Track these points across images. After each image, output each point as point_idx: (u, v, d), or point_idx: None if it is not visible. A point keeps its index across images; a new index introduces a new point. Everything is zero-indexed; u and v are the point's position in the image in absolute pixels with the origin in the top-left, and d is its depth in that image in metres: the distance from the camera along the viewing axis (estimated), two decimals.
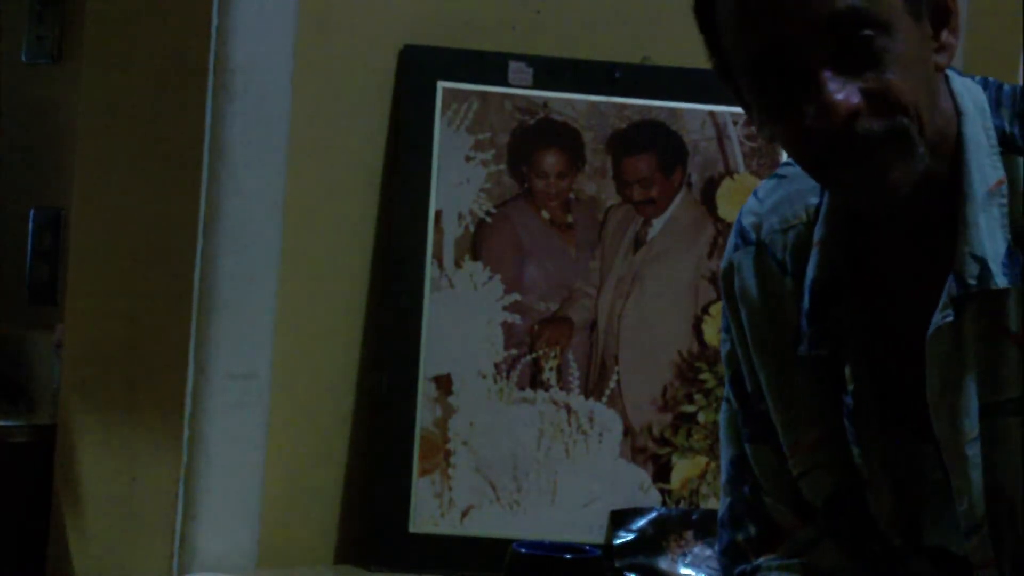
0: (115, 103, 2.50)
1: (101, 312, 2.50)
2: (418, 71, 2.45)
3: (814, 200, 1.50)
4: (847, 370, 1.46)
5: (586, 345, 2.47)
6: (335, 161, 2.43)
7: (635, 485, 2.46)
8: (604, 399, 2.46)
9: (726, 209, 2.48)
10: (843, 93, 1.33)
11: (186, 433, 2.32)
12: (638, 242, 2.48)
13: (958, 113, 1.43)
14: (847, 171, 1.37)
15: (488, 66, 2.47)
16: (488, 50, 2.48)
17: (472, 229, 2.45)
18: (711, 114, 2.49)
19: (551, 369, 2.45)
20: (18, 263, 2.93)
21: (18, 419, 2.74)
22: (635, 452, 2.47)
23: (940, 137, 1.40)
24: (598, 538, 2.43)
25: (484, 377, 2.44)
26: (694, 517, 2.43)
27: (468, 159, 2.45)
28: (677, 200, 2.50)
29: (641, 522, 2.43)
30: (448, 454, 2.42)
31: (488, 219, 2.45)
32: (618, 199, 2.48)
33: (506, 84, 2.47)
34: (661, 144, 2.49)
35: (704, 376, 2.46)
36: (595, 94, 2.49)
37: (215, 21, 2.32)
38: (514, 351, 2.44)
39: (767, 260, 1.53)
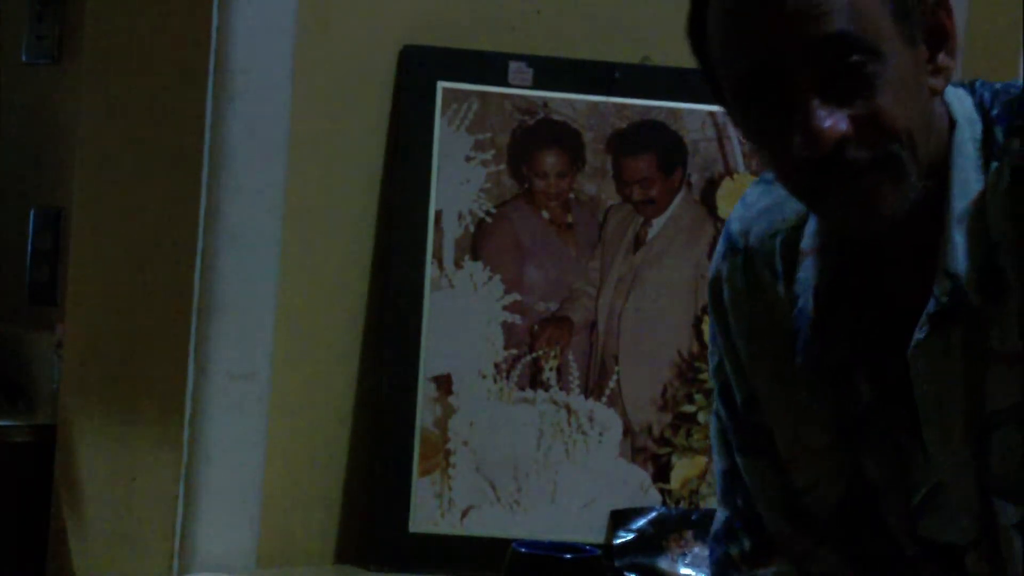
0: (115, 103, 2.50)
1: (101, 312, 2.50)
2: (418, 71, 2.45)
3: (801, 205, 1.49)
4: (861, 383, 1.44)
5: (586, 345, 2.47)
6: (335, 161, 2.43)
7: (635, 485, 2.46)
8: (604, 399, 2.46)
9: (726, 209, 2.48)
10: (831, 120, 1.31)
11: (186, 433, 2.32)
12: (638, 242, 2.49)
13: (951, 124, 1.40)
14: (836, 199, 1.35)
15: (488, 66, 2.47)
16: (488, 50, 2.48)
17: (472, 229, 2.45)
18: (711, 114, 2.49)
19: (551, 369, 2.45)
20: (18, 263, 2.94)
21: (18, 419, 2.74)
22: (635, 452, 2.47)
23: (934, 157, 1.38)
24: (598, 538, 2.43)
25: (484, 377, 2.44)
26: (694, 517, 2.43)
27: (468, 159, 2.45)
28: (677, 200, 2.50)
29: (641, 522, 2.43)
30: (448, 454, 2.42)
31: (488, 219, 2.45)
32: (618, 199, 2.49)
33: (506, 84, 2.47)
34: (661, 144, 2.49)
35: (704, 376, 2.46)
36: (595, 94, 2.49)
37: (215, 21, 2.32)
38: (514, 351, 2.45)
39: (757, 267, 1.51)
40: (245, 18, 2.33)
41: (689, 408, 2.47)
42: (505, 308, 2.45)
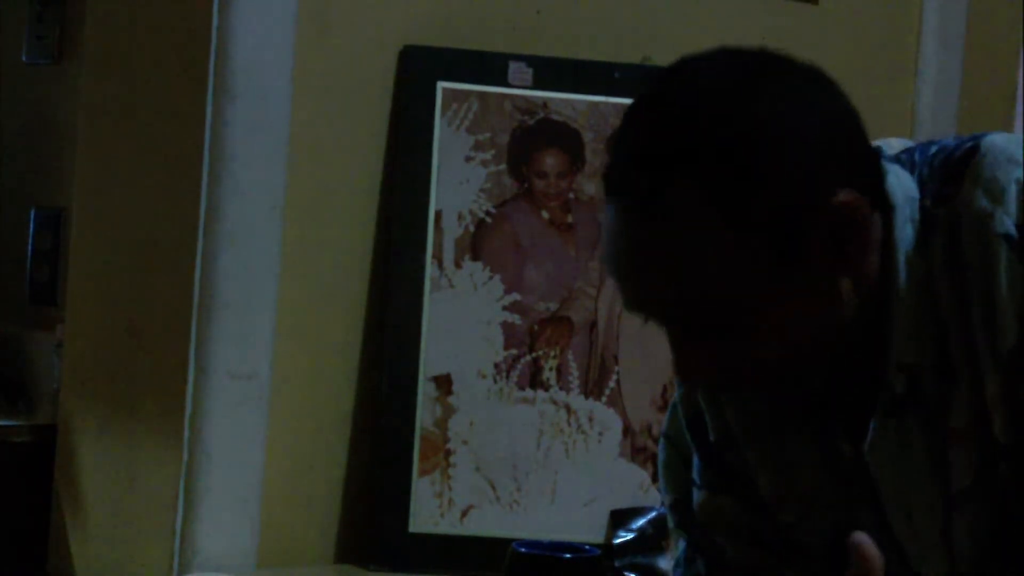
0: (115, 103, 2.50)
1: (101, 312, 2.50)
2: (418, 71, 2.45)
3: None
4: (841, 442, 1.39)
5: (586, 345, 2.47)
6: (335, 161, 2.43)
7: (635, 485, 2.46)
8: (604, 399, 2.47)
9: None
10: (693, 361, 1.30)
11: (186, 433, 2.32)
12: None
13: (890, 207, 1.32)
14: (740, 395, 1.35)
15: (488, 66, 2.47)
16: (488, 50, 2.48)
17: (472, 229, 2.45)
18: None
19: (551, 369, 2.45)
20: (18, 263, 2.93)
21: (18, 419, 2.74)
22: (635, 452, 2.47)
23: (868, 273, 1.31)
24: (598, 538, 2.43)
25: (484, 377, 2.44)
26: None
27: (468, 159, 2.45)
28: None
29: (641, 522, 2.43)
30: (448, 454, 2.42)
31: (488, 219, 2.45)
32: None
33: (506, 84, 2.47)
34: None
35: None
36: (595, 94, 2.49)
37: (215, 21, 2.32)
38: (514, 351, 2.45)
39: None
40: (245, 18, 2.33)
41: None
42: (505, 308, 2.45)
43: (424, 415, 2.41)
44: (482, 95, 2.46)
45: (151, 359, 2.41)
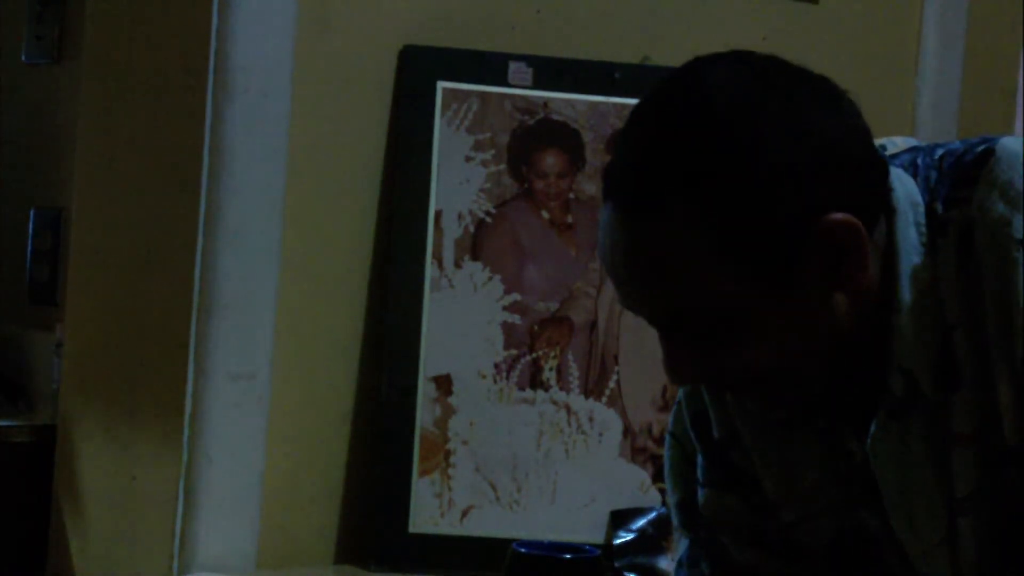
0: (115, 103, 2.50)
1: (101, 312, 2.50)
2: (418, 71, 2.45)
3: None
4: (850, 442, 1.39)
5: (586, 345, 2.47)
6: (335, 161, 2.43)
7: (635, 485, 2.46)
8: (604, 399, 2.46)
9: None
10: (682, 367, 1.31)
11: (186, 433, 2.32)
12: None
13: (892, 211, 1.32)
14: (734, 398, 1.35)
15: (488, 66, 2.47)
16: (488, 50, 2.48)
17: (472, 229, 2.45)
18: None
19: (551, 369, 2.45)
20: (18, 263, 2.94)
21: (18, 419, 2.74)
22: (635, 452, 2.47)
23: (867, 284, 1.31)
24: (598, 538, 2.43)
25: (484, 377, 2.44)
26: None
27: (468, 159, 2.45)
28: None
29: (641, 522, 2.43)
30: (448, 454, 2.42)
31: (488, 219, 2.45)
32: None
33: (506, 84, 2.47)
34: None
35: None
36: (595, 94, 2.49)
37: (215, 21, 2.32)
38: (514, 351, 2.44)
39: None
40: (245, 18, 2.33)
41: None
42: (505, 308, 2.45)
43: (424, 415, 2.41)
44: (482, 95, 2.46)
45: (151, 359, 2.41)
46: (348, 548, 2.44)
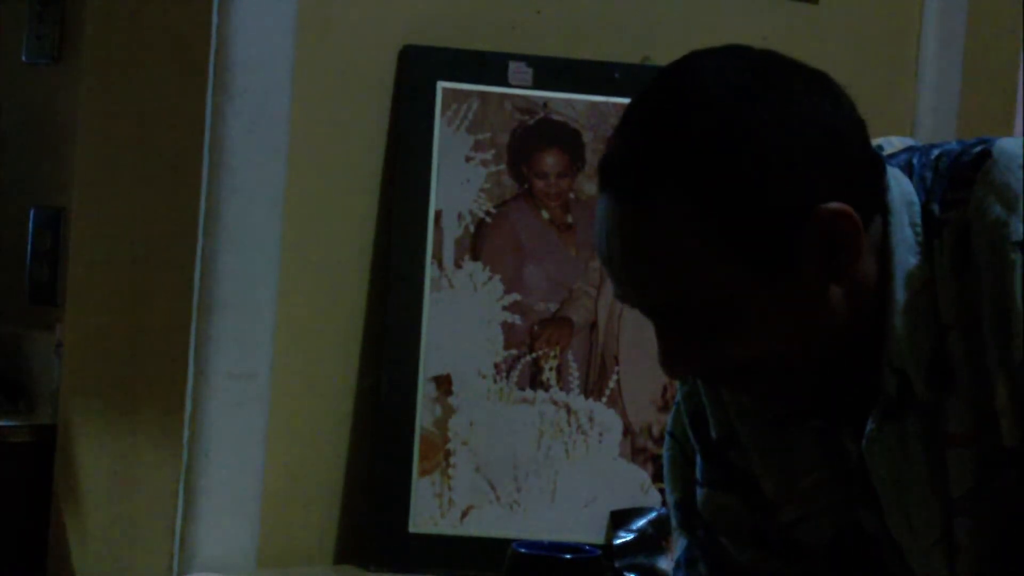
0: (115, 103, 2.50)
1: (101, 312, 2.50)
2: (418, 71, 2.45)
3: None
4: (847, 442, 1.39)
5: (586, 345, 2.47)
6: (335, 161, 2.43)
7: (635, 485, 2.46)
8: (604, 399, 2.46)
9: None
10: (674, 358, 1.31)
11: (186, 433, 2.32)
12: None
13: (888, 210, 1.31)
14: (728, 392, 1.36)
15: (488, 66, 2.47)
16: (488, 50, 2.48)
17: (472, 229, 2.45)
18: None
19: (551, 369, 2.45)
20: (18, 263, 2.94)
21: (18, 419, 2.74)
22: (635, 452, 2.47)
23: (863, 280, 1.30)
24: (598, 538, 2.43)
25: (484, 377, 2.44)
26: None
27: (468, 159, 2.45)
28: None
29: (641, 522, 2.43)
30: (448, 454, 2.42)
31: (488, 219, 2.45)
32: None
33: (506, 84, 2.47)
34: None
35: None
36: (595, 94, 2.49)
37: (215, 21, 2.32)
38: (514, 351, 2.45)
39: None
40: (245, 18, 2.33)
41: None
42: (505, 308, 2.45)
43: (424, 415, 2.41)
44: (482, 95, 2.46)
45: (151, 359, 2.41)
46: (348, 548, 2.44)
